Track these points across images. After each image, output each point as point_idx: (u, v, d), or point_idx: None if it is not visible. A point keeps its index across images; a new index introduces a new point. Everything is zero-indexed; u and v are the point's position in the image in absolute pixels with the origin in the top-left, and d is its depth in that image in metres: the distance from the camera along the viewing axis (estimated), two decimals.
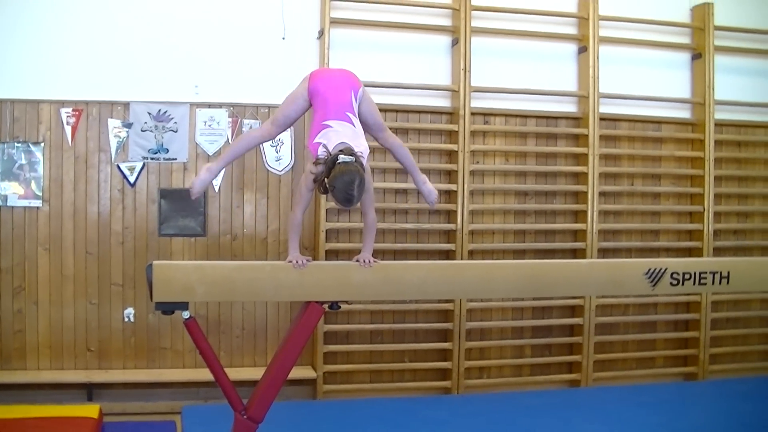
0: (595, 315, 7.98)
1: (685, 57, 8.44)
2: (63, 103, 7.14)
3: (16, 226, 7.08)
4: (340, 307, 4.93)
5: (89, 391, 7.00)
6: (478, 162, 7.84)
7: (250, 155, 7.41)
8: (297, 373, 6.95)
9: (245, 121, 7.39)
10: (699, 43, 8.31)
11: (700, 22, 8.26)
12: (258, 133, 5.13)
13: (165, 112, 7.26)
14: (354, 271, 4.75)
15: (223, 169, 5.23)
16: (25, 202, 7.08)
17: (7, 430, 5.70)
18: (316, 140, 4.61)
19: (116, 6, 7.20)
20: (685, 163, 8.42)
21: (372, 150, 4.88)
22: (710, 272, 5.16)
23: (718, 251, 8.31)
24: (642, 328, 8.29)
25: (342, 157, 4.37)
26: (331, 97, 4.72)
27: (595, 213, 7.95)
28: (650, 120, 8.31)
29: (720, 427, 6.72)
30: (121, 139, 7.22)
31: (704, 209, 8.25)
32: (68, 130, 7.13)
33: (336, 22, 7.40)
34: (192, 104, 7.33)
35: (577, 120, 8.10)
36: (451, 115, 7.77)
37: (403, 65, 7.69)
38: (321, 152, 4.51)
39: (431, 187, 5.16)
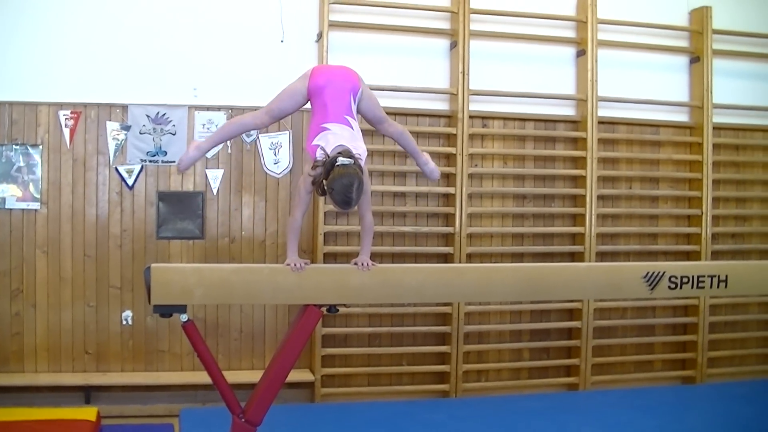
0: (594, 318, 7.99)
1: (683, 60, 8.45)
2: (61, 106, 7.13)
3: (14, 229, 7.08)
4: (338, 310, 4.92)
5: (87, 393, 7.00)
6: (476, 165, 7.84)
7: (248, 158, 7.42)
8: (295, 376, 6.94)
9: None
10: (697, 46, 8.32)
11: (699, 26, 8.26)
12: (250, 120, 5.10)
13: (163, 115, 7.26)
14: (352, 274, 4.75)
15: (213, 149, 5.21)
16: (23, 205, 7.08)
17: None
18: (315, 142, 4.61)
19: (115, 9, 7.20)
20: (684, 166, 8.42)
21: (370, 153, 4.89)
22: (708, 276, 5.16)
23: (716, 255, 8.31)
24: (640, 332, 8.29)
25: (340, 160, 4.36)
26: (331, 100, 4.71)
27: (593, 216, 7.95)
28: (648, 123, 8.31)
29: (718, 430, 6.73)
30: (119, 142, 7.22)
31: (702, 212, 8.26)
32: (66, 132, 7.13)
33: (334, 25, 7.41)
34: (190, 107, 7.33)
35: (576, 123, 8.10)
36: (450, 118, 7.77)
37: (402, 68, 7.69)
38: (319, 154, 4.51)
39: (433, 166, 5.26)
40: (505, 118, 7.98)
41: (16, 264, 7.08)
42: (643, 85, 8.24)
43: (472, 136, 7.76)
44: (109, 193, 7.23)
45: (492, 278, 5.06)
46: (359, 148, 4.59)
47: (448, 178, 7.74)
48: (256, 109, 7.21)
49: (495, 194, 7.95)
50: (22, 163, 7.06)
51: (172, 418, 6.92)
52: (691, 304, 8.29)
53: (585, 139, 7.95)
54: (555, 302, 7.90)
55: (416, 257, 7.70)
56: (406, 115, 7.66)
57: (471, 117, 7.73)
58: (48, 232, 7.12)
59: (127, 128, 7.23)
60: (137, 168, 7.26)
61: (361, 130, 4.76)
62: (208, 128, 7.31)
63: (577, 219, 8.05)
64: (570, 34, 8.11)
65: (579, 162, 8.02)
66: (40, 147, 7.10)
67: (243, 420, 4.71)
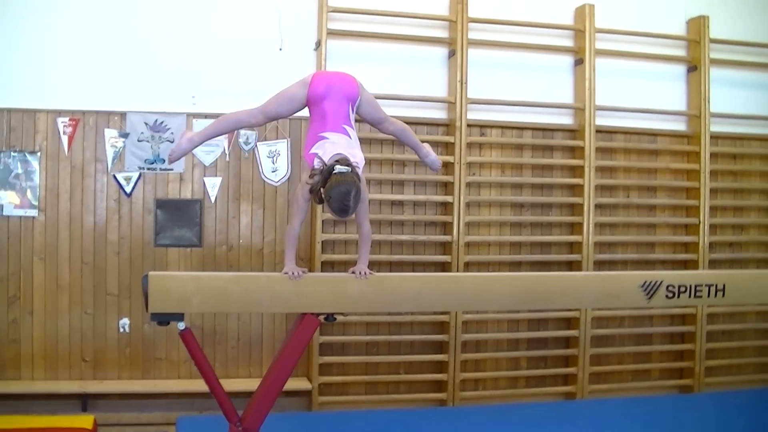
0: (591, 327, 7.98)
1: (680, 69, 8.47)
2: (60, 113, 7.14)
3: (12, 236, 7.07)
4: (335, 319, 4.92)
5: (84, 401, 6.98)
6: (474, 174, 7.84)
7: (246, 166, 7.42)
8: (292, 384, 6.92)
9: (242, 132, 7.39)
10: (694, 55, 8.34)
11: (696, 35, 8.28)
12: (245, 117, 5.09)
13: (162, 123, 7.26)
14: (350, 282, 4.75)
15: (205, 141, 5.22)
16: (21, 212, 7.07)
17: None
18: (312, 151, 4.62)
19: (114, 16, 7.20)
20: (681, 175, 8.43)
21: (367, 161, 4.89)
22: (706, 285, 5.16)
23: (713, 264, 8.32)
24: (638, 341, 8.29)
25: (338, 168, 4.37)
26: (330, 110, 4.72)
27: (590, 225, 7.95)
28: (646, 132, 8.33)
29: None
30: (117, 149, 7.22)
31: (700, 222, 8.26)
32: (65, 139, 7.13)
33: (333, 33, 7.41)
34: (189, 115, 7.33)
35: (573, 132, 8.11)
36: (448, 126, 7.78)
37: (400, 77, 7.70)
38: (317, 163, 4.51)
39: (434, 157, 5.35)
40: (503, 127, 7.99)
41: (13, 271, 7.07)
42: (641, 94, 8.25)
43: (470, 145, 7.76)
44: (106, 201, 7.23)
45: (489, 287, 5.07)
46: (357, 156, 4.61)
47: (446, 187, 7.75)
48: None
49: (493, 203, 7.95)
50: (20, 170, 7.06)
51: (169, 426, 6.91)
52: (689, 313, 8.30)
53: (583, 148, 7.96)
54: (552, 311, 7.89)
55: (414, 266, 7.70)
56: (404, 123, 7.64)
57: (469, 125, 7.73)
58: (45, 239, 7.12)
59: (125, 135, 7.23)
60: (135, 175, 7.26)
61: (359, 139, 4.77)
62: None
63: (575, 228, 8.05)
64: (568, 43, 8.12)
65: (576, 171, 8.03)
66: (39, 154, 7.10)
67: (240, 428, 4.71)
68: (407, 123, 7.58)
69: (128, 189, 7.24)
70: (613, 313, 8.13)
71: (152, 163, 7.27)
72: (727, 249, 8.56)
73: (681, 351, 8.38)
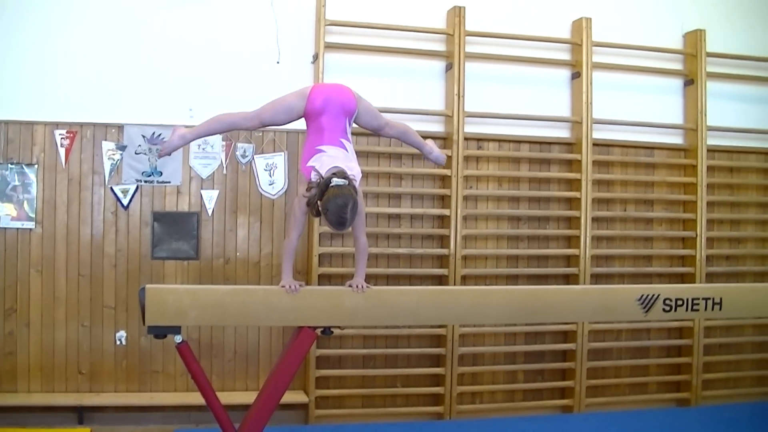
0: (588, 340, 7.97)
1: (677, 83, 8.48)
2: (57, 125, 7.14)
3: (9, 248, 7.06)
4: (332, 332, 4.93)
5: (80, 414, 6.95)
6: (471, 187, 7.85)
7: (243, 179, 7.42)
8: (289, 397, 6.93)
9: (239, 145, 7.40)
10: (691, 69, 8.36)
11: (693, 49, 8.30)
12: (240, 120, 5.12)
13: (159, 135, 7.26)
14: (347, 296, 4.76)
15: (197, 139, 5.23)
16: (18, 224, 7.07)
17: None
18: (309, 164, 4.64)
19: (111, 29, 7.21)
20: (678, 188, 8.44)
21: (364, 174, 4.91)
22: (703, 298, 5.18)
23: (710, 277, 8.32)
24: (635, 354, 8.27)
25: (335, 180, 4.39)
26: (327, 124, 4.75)
27: (588, 238, 7.95)
28: (643, 145, 8.34)
29: None
30: (114, 162, 7.23)
31: (697, 235, 8.27)
32: (62, 151, 7.13)
33: (330, 46, 7.43)
34: (186, 127, 7.31)
35: (571, 145, 8.12)
36: (445, 140, 7.78)
37: (397, 90, 7.71)
38: (314, 176, 4.53)
39: (438, 152, 5.43)
40: (500, 140, 8.00)
41: (10, 283, 7.06)
42: (638, 107, 8.26)
43: (467, 158, 7.77)
44: (104, 213, 7.23)
45: (487, 301, 5.08)
46: (354, 169, 4.62)
47: (443, 200, 7.76)
48: (250, 130, 7.32)
49: (490, 216, 7.95)
50: (17, 182, 7.06)
51: None
52: (686, 326, 8.28)
53: (580, 161, 7.97)
54: (549, 324, 7.88)
55: (411, 279, 7.70)
56: None
57: (466, 138, 7.75)
58: (42, 251, 7.11)
59: (122, 148, 7.23)
60: (132, 188, 7.26)
61: (356, 152, 4.78)
62: (203, 149, 7.32)
63: (572, 241, 8.05)
64: (565, 56, 8.14)
65: (574, 184, 8.03)
66: (36, 166, 7.10)
67: None
68: None
69: (125, 201, 7.24)
70: (611, 327, 8.12)
71: (149, 176, 7.27)
72: (724, 262, 8.56)
73: (678, 364, 8.37)
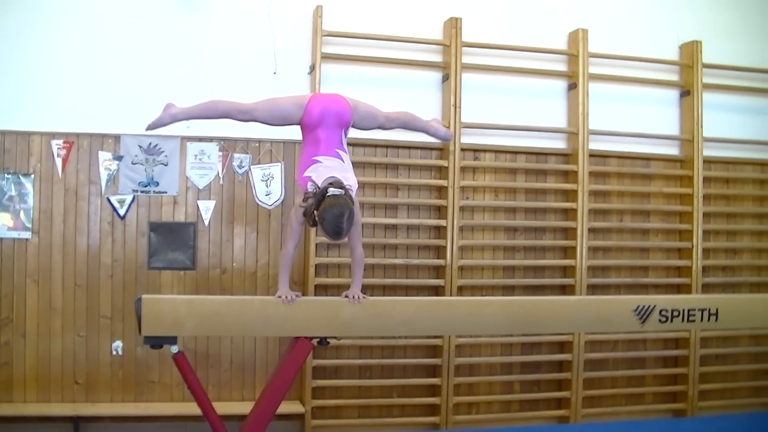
0: (584, 351, 7.97)
1: (673, 94, 8.50)
2: (54, 135, 7.14)
3: (5, 258, 7.05)
4: (329, 342, 4.93)
5: (76, 424, 6.94)
6: (467, 198, 7.86)
7: (240, 189, 7.43)
8: (285, 407, 6.90)
9: (235, 155, 7.41)
10: (687, 80, 8.38)
11: (689, 60, 8.33)
12: (233, 110, 5.12)
13: (155, 146, 7.27)
14: (343, 306, 4.77)
15: (187, 120, 5.21)
16: (14, 234, 7.06)
17: None
18: (306, 174, 4.65)
19: (108, 39, 7.22)
20: (674, 199, 8.45)
21: (361, 185, 4.91)
22: (699, 309, 5.20)
23: (706, 288, 8.32)
24: (631, 365, 8.27)
25: (331, 190, 4.40)
26: (323, 136, 4.77)
27: (584, 249, 7.96)
28: (639, 156, 8.35)
29: None
30: (111, 172, 7.23)
31: (693, 246, 8.27)
32: (59, 162, 7.14)
33: (327, 57, 7.44)
34: (183, 138, 7.34)
35: (567, 156, 8.13)
36: (441, 150, 7.79)
37: (394, 101, 7.64)
38: (310, 186, 4.54)
39: (444, 130, 5.58)
40: (497, 151, 8.01)
41: (6, 293, 7.05)
42: (634, 118, 8.28)
43: (463, 169, 7.78)
44: (100, 223, 7.23)
45: (483, 311, 5.09)
46: (350, 179, 4.64)
47: (440, 211, 7.76)
48: (249, 140, 7.34)
49: (486, 227, 7.96)
50: (13, 192, 7.06)
51: None
52: (682, 336, 8.28)
53: (576, 172, 7.98)
54: (546, 335, 7.88)
55: (407, 290, 7.70)
56: (397, 147, 7.69)
57: (462, 149, 7.75)
58: (39, 261, 7.11)
59: (119, 158, 7.23)
60: (129, 198, 7.26)
61: (352, 162, 4.79)
62: (200, 159, 7.33)
63: (568, 252, 8.06)
64: (561, 67, 8.16)
65: (570, 195, 8.04)
66: (32, 176, 7.10)
67: None
68: (399, 147, 7.72)
69: (122, 212, 7.24)
70: (607, 337, 8.11)
71: (146, 186, 7.28)
72: (720, 273, 8.56)
73: (674, 375, 8.37)
